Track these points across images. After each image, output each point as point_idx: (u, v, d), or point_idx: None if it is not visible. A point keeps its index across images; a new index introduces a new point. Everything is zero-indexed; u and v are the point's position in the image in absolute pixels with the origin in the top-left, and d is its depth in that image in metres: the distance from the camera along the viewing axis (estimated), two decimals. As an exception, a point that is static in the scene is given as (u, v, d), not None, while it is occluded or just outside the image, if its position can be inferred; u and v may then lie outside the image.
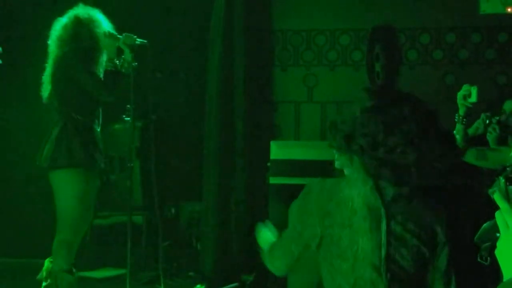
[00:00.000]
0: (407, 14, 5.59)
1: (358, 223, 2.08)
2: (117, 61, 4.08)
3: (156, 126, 5.01)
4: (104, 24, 4.08)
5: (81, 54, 3.98)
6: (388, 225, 2.07)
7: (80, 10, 4.07)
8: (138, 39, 4.02)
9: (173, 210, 5.82)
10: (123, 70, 4.03)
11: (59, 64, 3.99)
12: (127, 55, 4.02)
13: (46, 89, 4.09)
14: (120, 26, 4.19)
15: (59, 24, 4.05)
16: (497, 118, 4.03)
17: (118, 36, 4.05)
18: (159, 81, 5.76)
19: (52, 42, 4.04)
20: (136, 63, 4.02)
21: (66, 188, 3.91)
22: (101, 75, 4.02)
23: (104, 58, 4.08)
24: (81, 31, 4.01)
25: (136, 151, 5.44)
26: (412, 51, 5.58)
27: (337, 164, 2.35)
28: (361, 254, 2.07)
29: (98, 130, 4.08)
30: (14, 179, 6.02)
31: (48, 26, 4.08)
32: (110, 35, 4.04)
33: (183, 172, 5.86)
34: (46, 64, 4.08)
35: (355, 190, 2.11)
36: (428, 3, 5.54)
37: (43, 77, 4.09)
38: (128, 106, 4.10)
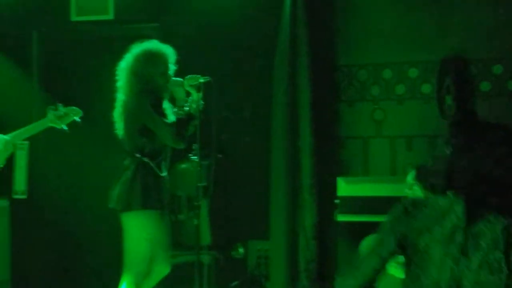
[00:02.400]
0: (478, 45, 5.43)
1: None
2: (186, 107, 4.07)
3: (222, 164, 5.01)
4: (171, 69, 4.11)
5: (152, 101, 4.00)
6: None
7: (152, 47, 4.10)
8: (202, 78, 4.03)
9: (241, 250, 5.75)
10: (192, 111, 4.02)
11: (131, 111, 4.02)
12: (194, 95, 4.03)
13: (119, 129, 4.14)
14: (184, 65, 4.21)
15: (125, 67, 4.10)
16: None
17: (181, 80, 4.05)
18: (225, 119, 5.77)
19: (121, 86, 4.09)
20: (203, 102, 4.02)
21: (139, 230, 3.95)
22: (171, 120, 4.02)
23: (167, 104, 4.11)
24: (149, 76, 4.04)
25: (203, 190, 5.43)
26: (485, 83, 5.40)
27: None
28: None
29: (166, 172, 4.10)
30: (86, 218, 6.12)
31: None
32: (175, 83, 4.06)
33: (250, 210, 5.80)
34: (116, 104, 4.12)
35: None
36: (499, 33, 5.36)
37: (114, 115, 4.13)
38: (194, 145, 4.10)
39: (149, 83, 4.02)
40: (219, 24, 5.89)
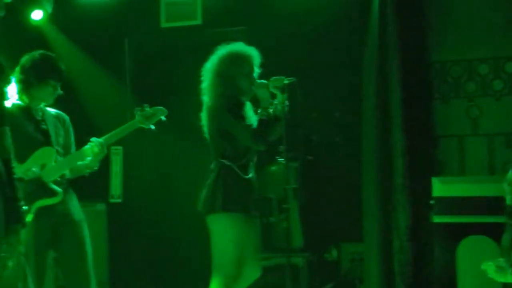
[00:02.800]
0: None
1: None
2: (271, 109, 4.04)
3: (313, 166, 4.96)
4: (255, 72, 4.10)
5: (231, 104, 4.01)
6: None
7: (237, 48, 4.11)
8: (286, 79, 3.98)
9: (334, 252, 5.68)
10: (278, 113, 3.98)
11: (212, 114, 4.06)
12: (279, 97, 3.99)
13: (205, 131, 4.17)
14: (271, 67, 4.19)
15: (210, 68, 4.11)
16: None
17: (266, 82, 4.03)
18: (315, 120, 5.72)
19: (205, 89, 4.11)
20: (288, 103, 3.98)
21: (223, 232, 3.94)
22: (254, 124, 4.01)
23: (249, 106, 4.10)
24: (233, 77, 4.05)
25: (293, 192, 5.40)
26: None
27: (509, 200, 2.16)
28: None
29: (252, 174, 4.07)
30: (180, 221, 6.22)
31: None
32: (259, 85, 4.04)
33: (343, 212, 5.72)
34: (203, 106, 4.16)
35: None
36: None
37: (201, 118, 4.17)
38: (281, 147, 4.06)
39: (233, 85, 4.02)
40: (305, 25, 5.87)
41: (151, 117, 4.07)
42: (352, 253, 5.73)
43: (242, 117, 4.00)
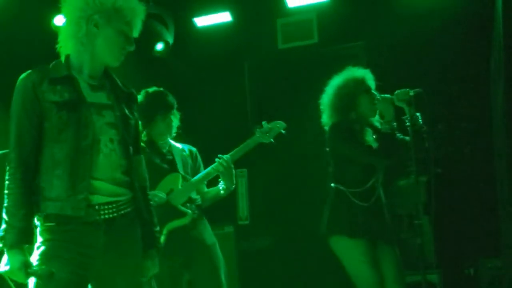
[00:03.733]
0: None
1: None
2: (394, 123, 3.94)
3: (443, 179, 4.78)
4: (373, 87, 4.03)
5: (341, 123, 3.97)
6: None
7: (349, 75, 4.08)
8: (411, 90, 3.87)
9: (471, 270, 5.44)
10: (412, 128, 3.84)
11: (329, 136, 4.03)
12: (408, 110, 3.88)
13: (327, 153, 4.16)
14: (392, 79, 4.11)
15: (329, 94, 4.10)
16: None
17: (389, 96, 3.93)
18: (442, 132, 5.54)
19: (324, 109, 4.09)
20: (418, 114, 3.85)
21: (348, 255, 3.89)
22: (372, 143, 3.93)
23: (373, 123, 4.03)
24: (347, 102, 4.01)
25: (423, 207, 5.23)
26: None
27: None
28: None
29: (374, 199, 3.96)
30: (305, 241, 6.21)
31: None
32: (383, 99, 3.95)
33: (478, 225, 5.47)
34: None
35: None
36: None
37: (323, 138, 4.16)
38: (410, 162, 3.93)
39: (353, 105, 3.99)
40: (423, 36, 5.74)
41: (270, 131, 4.10)
42: (491, 269, 5.45)
43: (361, 137, 3.94)
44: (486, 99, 5.30)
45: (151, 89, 4.17)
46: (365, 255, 3.83)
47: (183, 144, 4.28)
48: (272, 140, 4.11)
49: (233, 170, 4.05)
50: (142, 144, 3.99)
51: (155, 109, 4.06)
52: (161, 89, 4.19)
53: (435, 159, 4.36)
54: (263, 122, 4.09)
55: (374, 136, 4.00)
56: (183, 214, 3.94)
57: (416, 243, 4.05)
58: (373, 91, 4.01)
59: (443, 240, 5.40)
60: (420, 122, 3.83)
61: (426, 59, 5.76)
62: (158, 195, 3.93)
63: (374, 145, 3.92)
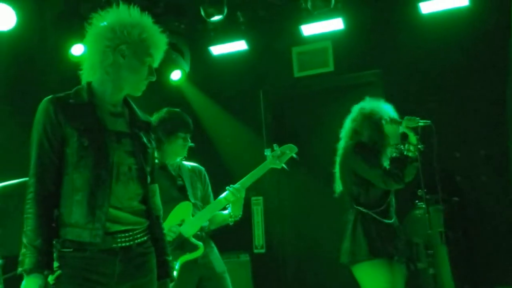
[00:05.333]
0: None
1: None
2: (402, 146, 3.95)
3: (460, 207, 4.72)
4: (386, 111, 4.04)
5: (360, 146, 3.99)
6: None
7: (365, 104, 4.11)
8: (421, 121, 3.87)
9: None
10: (410, 154, 3.88)
11: (343, 158, 4.06)
12: (412, 138, 3.89)
13: (338, 185, 4.16)
14: (409, 105, 4.11)
15: (349, 118, 4.14)
16: None
17: (400, 120, 3.94)
18: (458, 160, 5.50)
19: (343, 134, 4.12)
20: (423, 146, 3.85)
21: (370, 281, 3.88)
22: (386, 163, 3.93)
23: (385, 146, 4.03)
24: (364, 125, 4.03)
25: (440, 236, 5.17)
26: None
27: None
28: None
29: (394, 218, 3.96)
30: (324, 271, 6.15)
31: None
32: (391, 121, 3.96)
33: (497, 253, 5.40)
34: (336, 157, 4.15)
35: None
36: None
37: (334, 171, 4.16)
38: (419, 191, 3.91)
39: (363, 136, 4.03)
40: (440, 63, 5.73)
41: (281, 156, 4.05)
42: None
43: (374, 158, 3.95)
44: (503, 127, 5.26)
45: (165, 109, 4.13)
46: (384, 277, 3.83)
47: (191, 164, 4.26)
48: (284, 165, 4.08)
49: (243, 200, 4.02)
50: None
51: (175, 126, 4.02)
52: (179, 109, 4.21)
53: (452, 188, 4.33)
54: (274, 145, 4.06)
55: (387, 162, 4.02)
56: (196, 248, 3.92)
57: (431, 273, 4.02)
58: (395, 119, 4.03)
59: (462, 268, 5.33)
60: (418, 152, 3.84)
61: (441, 87, 5.75)
62: (172, 229, 3.91)
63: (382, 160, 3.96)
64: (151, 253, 2.71)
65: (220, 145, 6.63)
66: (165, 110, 4.12)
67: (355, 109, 4.15)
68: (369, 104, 4.12)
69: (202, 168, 4.26)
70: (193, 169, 4.20)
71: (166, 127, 4.00)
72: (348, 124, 4.14)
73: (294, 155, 4.07)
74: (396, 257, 3.88)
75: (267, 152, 4.05)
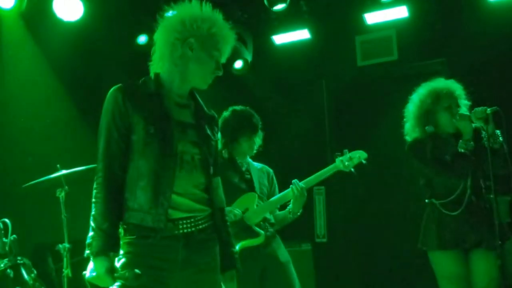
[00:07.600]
0: None
1: None
2: (472, 143, 3.88)
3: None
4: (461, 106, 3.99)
5: (419, 143, 4.00)
6: None
7: (435, 85, 4.06)
8: (489, 108, 3.77)
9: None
10: (493, 146, 3.77)
11: (409, 153, 4.08)
12: (485, 128, 3.80)
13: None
14: (473, 95, 4.03)
15: (414, 104, 4.10)
16: None
17: (467, 114, 3.86)
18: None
19: (408, 118, 4.10)
20: (498, 131, 3.76)
21: (436, 270, 3.97)
22: (448, 157, 3.92)
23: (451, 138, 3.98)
24: (428, 117, 4.02)
25: (508, 226, 5.05)
26: None
27: None
28: None
29: (459, 210, 3.90)
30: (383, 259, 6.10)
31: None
32: (461, 117, 3.89)
33: None
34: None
35: None
36: None
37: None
38: (488, 182, 3.84)
39: (432, 121, 3.97)
40: (507, 52, 5.59)
41: (350, 160, 4.04)
42: None
43: (440, 152, 3.91)
44: None
45: (239, 108, 4.17)
46: (448, 269, 3.89)
47: (261, 164, 4.31)
48: (352, 169, 4.06)
49: (306, 198, 4.02)
50: (222, 160, 4.05)
51: (241, 129, 4.06)
52: (247, 108, 4.20)
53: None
54: (345, 151, 4.05)
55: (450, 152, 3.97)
56: (257, 234, 3.95)
57: (498, 264, 3.93)
58: (454, 107, 3.96)
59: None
60: (500, 140, 3.75)
61: (509, 74, 5.60)
62: (234, 211, 3.96)
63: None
64: (213, 239, 2.74)
65: (283, 133, 6.64)
66: (230, 110, 4.16)
67: (427, 91, 4.08)
68: (438, 83, 4.06)
69: (271, 170, 4.31)
70: (262, 169, 4.25)
71: (229, 131, 4.04)
72: (416, 108, 4.09)
73: (364, 161, 4.05)
74: (459, 247, 3.84)
75: (337, 156, 4.04)
